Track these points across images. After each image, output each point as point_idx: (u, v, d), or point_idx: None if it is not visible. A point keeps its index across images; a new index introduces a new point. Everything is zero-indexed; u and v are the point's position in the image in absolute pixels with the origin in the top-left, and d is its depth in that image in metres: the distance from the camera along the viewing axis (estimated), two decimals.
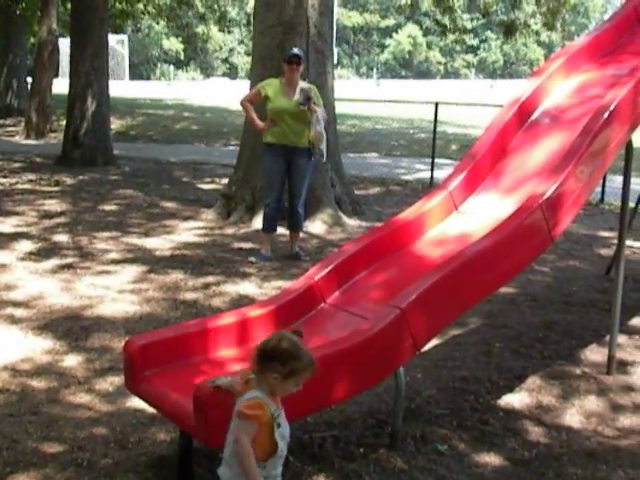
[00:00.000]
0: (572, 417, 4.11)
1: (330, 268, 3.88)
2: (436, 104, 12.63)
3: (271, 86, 6.89)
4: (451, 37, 18.88)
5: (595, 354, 4.98)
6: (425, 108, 16.01)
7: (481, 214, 4.20)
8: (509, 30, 17.06)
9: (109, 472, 3.35)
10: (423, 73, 74.23)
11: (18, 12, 21.16)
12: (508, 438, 3.83)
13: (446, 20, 17.45)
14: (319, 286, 3.82)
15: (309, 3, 8.37)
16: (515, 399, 4.27)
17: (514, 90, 5.01)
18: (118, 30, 28.20)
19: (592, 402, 4.29)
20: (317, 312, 3.76)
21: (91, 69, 13.25)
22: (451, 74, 76.44)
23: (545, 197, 3.84)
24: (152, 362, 3.34)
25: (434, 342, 5.11)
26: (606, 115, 4.20)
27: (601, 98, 4.41)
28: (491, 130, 4.59)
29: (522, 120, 4.71)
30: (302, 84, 6.89)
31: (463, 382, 4.47)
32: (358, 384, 3.32)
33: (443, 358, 4.86)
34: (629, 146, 4.56)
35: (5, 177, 11.92)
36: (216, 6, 23.99)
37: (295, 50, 6.91)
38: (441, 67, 78.77)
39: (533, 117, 4.76)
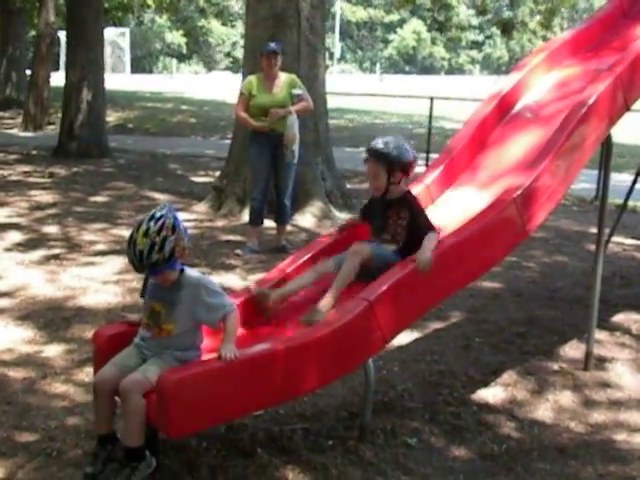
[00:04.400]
0: (545, 412, 4.11)
1: (302, 260, 3.88)
2: (431, 99, 12.63)
3: (252, 83, 6.94)
4: (449, 34, 18.83)
5: (574, 350, 4.97)
6: (426, 103, 15.97)
7: (457, 208, 4.20)
8: (506, 28, 16.99)
9: (78, 462, 3.35)
10: (427, 69, 74.06)
11: (17, 4, 21.16)
12: (479, 432, 3.84)
13: (442, 17, 17.40)
14: (291, 278, 3.82)
15: None
16: (489, 394, 4.28)
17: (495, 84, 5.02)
18: (118, 23, 28.15)
19: (566, 397, 4.29)
20: (289, 304, 3.75)
21: (87, 61, 13.26)
22: (455, 70, 76.18)
23: (519, 191, 3.83)
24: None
25: (414, 336, 5.14)
26: (584, 110, 4.19)
27: (581, 93, 4.40)
28: (470, 124, 4.58)
29: (502, 114, 4.71)
30: (282, 76, 6.92)
31: (439, 376, 4.48)
32: (326, 375, 3.32)
33: (422, 352, 4.87)
34: (608, 142, 4.56)
35: (0, 169, 11.94)
36: None
37: (272, 45, 6.95)
38: (445, 63, 78.54)
39: (513, 111, 4.75)
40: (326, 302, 3.51)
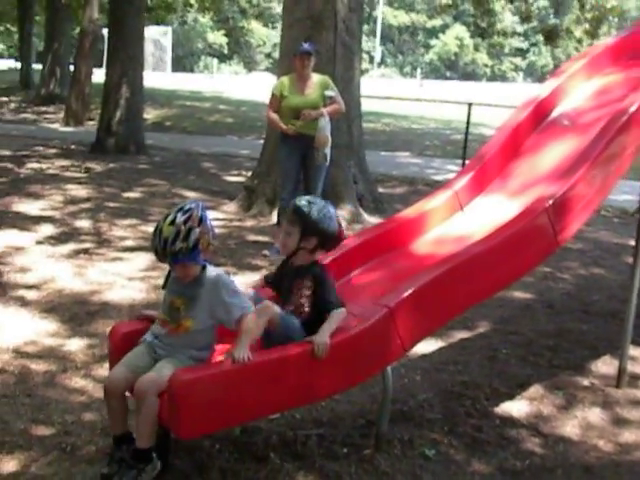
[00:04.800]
0: (572, 429, 3.97)
1: (324, 264, 3.80)
2: (469, 105, 12.47)
3: (284, 84, 6.92)
4: (491, 40, 18.56)
5: (607, 366, 4.82)
6: (465, 109, 15.80)
7: (486, 215, 4.09)
8: (549, 36, 16.64)
9: (90, 458, 3.33)
10: (469, 75, 73.39)
11: (63, 1, 21.44)
12: (501, 447, 3.71)
13: (485, 23, 17.15)
14: None
15: None
16: (514, 407, 4.15)
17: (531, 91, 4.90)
18: (161, 22, 28.37)
19: (595, 415, 4.14)
20: None
21: (126, 58, 13.37)
22: (498, 77, 75.37)
23: (552, 200, 3.71)
24: None
25: (438, 344, 5.03)
26: (624, 119, 4.06)
27: (622, 101, 4.26)
28: (503, 130, 4.47)
29: (537, 121, 4.59)
30: (315, 77, 6.87)
31: (462, 387, 4.36)
32: (341, 382, 3.24)
33: (445, 361, 4.76)
34: None
35: (38, 162, 12.11)
36: (255, 1, 24.00)
37: (305, 45, 6.90)
38: (488, 69, 77.78)
39: (549, 118, 4.63)
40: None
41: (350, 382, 3.32)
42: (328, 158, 6.82)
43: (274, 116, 6.92)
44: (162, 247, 2.99)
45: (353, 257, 3.91)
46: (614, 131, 4.00)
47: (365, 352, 3.22)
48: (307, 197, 3.48)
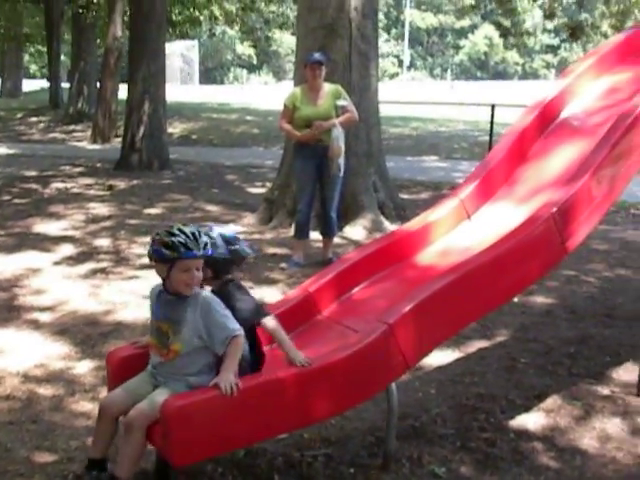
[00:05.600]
0: (589, 441, 3.83)
1: (327, 279, 3.73)
2: (492, 106, 12.31)
3: (295, 96, 6.85)
4: (513, 40, 18.31)
5: (629, 373, 4.65)
6: (497, 110, 15.50)
7: (493, 224, 3.98)
8: (574, 32, 16.33)
9: None
10: (500, 74, 72.63)
11: (88, 21, 21.72)
12: (515, 462, 3.60)
13: (509, 22, 16.91)
14: (314, 298, 3.68)
15: (352, 5, 8.24)
16: (530, 420, 4.02)
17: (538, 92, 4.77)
18: (185, 36, 28.58)
19: (615, 425, 3.99)
20: (311, 324, 3.62)
21: (148, 74, 13.46)
22: (529, 75, 74.45)
23: (557, 207, 3.60)
24: (134, 374, 3.26)
25: (455, 355, 4.92)
26: (633, 117, 3.93)
27: (631, 100, 4.13)
28: (509, 135, 4.35)
29: (545, 124, 4.46)
30: (326, 87, 6.80)
31: (477, 399, 4.24)
32: (343, 401, 3.16)
33: (462, 373, 4.65)
34: None
35: (63, 182, 12.21)
36: (280, 10, 24.07)
37: (316, 55, 6.83)
38: (519, 68, 76.91)
39: (557, 121, 4.50)
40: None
41: (352, 401, 3.23)
42: (342, 168, 6.74)
43: (287, 126, 6.87)
44: (193, 239, 2.96)
45: (357, 271, 3.84)
46: (622, 130, 3.88)
47: (365, 370, 3.13)
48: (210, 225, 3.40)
